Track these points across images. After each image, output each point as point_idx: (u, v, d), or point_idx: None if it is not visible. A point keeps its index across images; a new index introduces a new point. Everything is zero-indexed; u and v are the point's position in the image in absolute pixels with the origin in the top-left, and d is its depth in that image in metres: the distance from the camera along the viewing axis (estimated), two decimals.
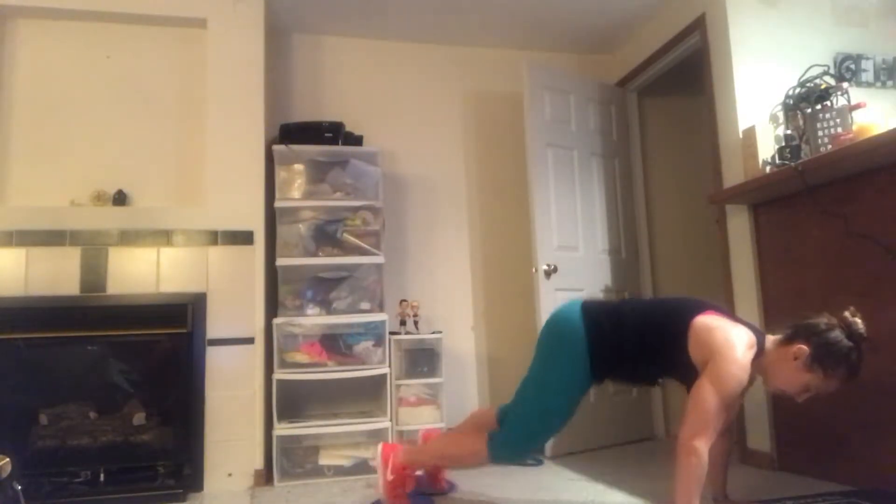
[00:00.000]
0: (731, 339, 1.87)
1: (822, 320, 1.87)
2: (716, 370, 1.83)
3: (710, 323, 1.93)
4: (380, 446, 2.38)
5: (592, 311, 2.10)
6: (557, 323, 2.14)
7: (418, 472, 2.60)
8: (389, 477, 2.28)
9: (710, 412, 1.79)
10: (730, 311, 2.01)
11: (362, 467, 2.89)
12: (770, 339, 1.97)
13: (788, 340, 1.90)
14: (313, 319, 2.99)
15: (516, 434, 2.14)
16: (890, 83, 3.04)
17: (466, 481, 2.65)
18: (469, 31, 3.65)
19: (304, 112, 3.47)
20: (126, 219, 2.83)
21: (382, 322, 3.02)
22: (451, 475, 2.61)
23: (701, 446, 1.77)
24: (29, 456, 2.58)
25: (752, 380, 1.94)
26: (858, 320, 1.84)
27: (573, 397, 2.09)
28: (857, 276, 2.33)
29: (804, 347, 1.84)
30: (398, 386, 3.01)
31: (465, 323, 3.58)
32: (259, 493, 2.69)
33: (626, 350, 2.04)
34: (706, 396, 1.80)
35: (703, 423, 1.79)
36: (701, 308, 2.00)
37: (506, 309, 3.63)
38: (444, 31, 3.64)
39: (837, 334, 1.83)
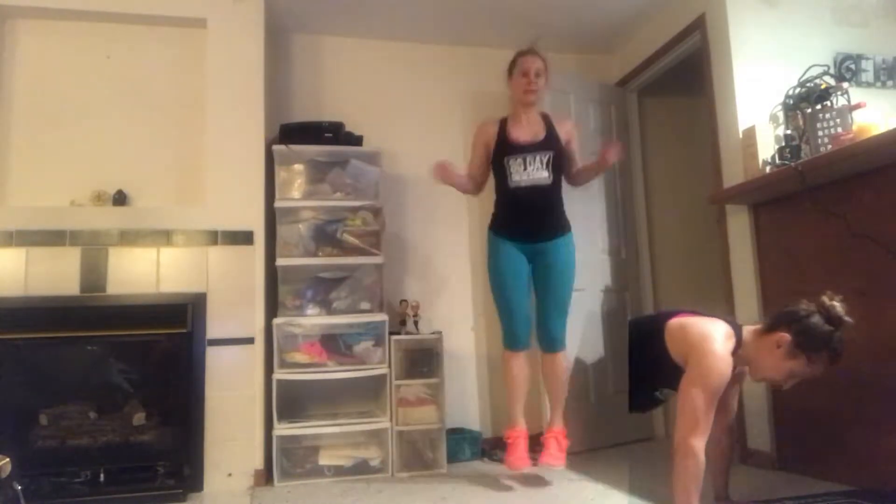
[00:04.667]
0: (706, 333, 1.90)
1: (801, 307, 1.89)
2: (696, 366, 1.85)
3: (684, 321, 1.98)
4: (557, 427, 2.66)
5: None
6: None
7: None
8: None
9: (698, 409, 1.80)
10: (703, 311, 2.04)
11: (362, 467, 2.89)
12: (749, 329, 1.99)
13: (769, 329, 1.93)
14: (313, 319, 2.98)
15: None
16: (890, 83, 3.04)
17: (468, 479, 2.65)
18: (469, 31, 3.65)
19: (304, 112, 3.46)
20: (126, 219, 2.83)
21: (382, 322, 3.02)
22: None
23: (696, 444, 1.78)
24: (29, 456, 2.56)
25: (739, 372, 1.96)
26: (837, 304, 1.84)
27: None
28: (857, 276, 2.33)
29: (785, 335, 1.86)
30: (398, 386, 3.00)
31: (465, 323, 3.57)
32: (259, 493, 2.69)
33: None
34: (692, 394, 1.82)
35: (694, 421, 1.80)
36: (673, 313, 2.05)
37: None
38: (444, 31, 3.64)
39: (817, 319, 1.84)
